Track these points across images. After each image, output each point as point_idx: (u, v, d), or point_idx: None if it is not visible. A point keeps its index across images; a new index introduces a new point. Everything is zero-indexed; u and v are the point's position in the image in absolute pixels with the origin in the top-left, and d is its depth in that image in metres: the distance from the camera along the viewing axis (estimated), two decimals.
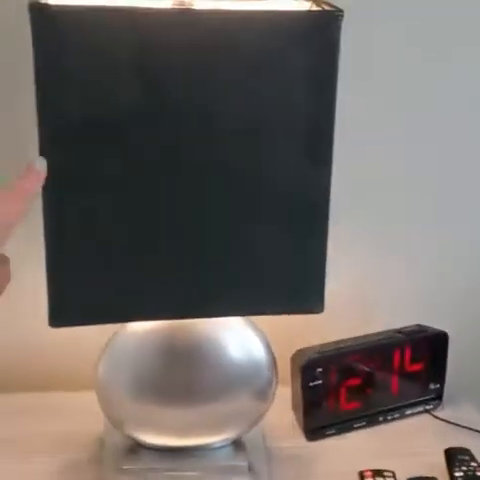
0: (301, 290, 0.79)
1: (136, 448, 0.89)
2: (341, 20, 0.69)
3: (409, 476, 0.91)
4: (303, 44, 0.70)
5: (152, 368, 0.86)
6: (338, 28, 0.69)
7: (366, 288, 1.09)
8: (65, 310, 0.74)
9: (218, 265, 0.77)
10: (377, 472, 0.91)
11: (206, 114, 0.71)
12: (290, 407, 1.02)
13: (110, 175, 0.72)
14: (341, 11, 0.69)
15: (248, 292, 0.78)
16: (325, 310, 0.87)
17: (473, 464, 0.92)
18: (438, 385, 1.04)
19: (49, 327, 0.77)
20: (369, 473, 0.91)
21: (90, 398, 0.89)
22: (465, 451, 0.94)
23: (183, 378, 0.86)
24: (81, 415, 0.98)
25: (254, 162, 0.74)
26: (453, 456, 0.93)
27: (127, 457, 0.88)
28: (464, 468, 0.91)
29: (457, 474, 0.90)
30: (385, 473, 0.91)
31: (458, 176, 1.08)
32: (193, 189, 0.74)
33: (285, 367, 0.98)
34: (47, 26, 0.65)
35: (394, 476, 0.91)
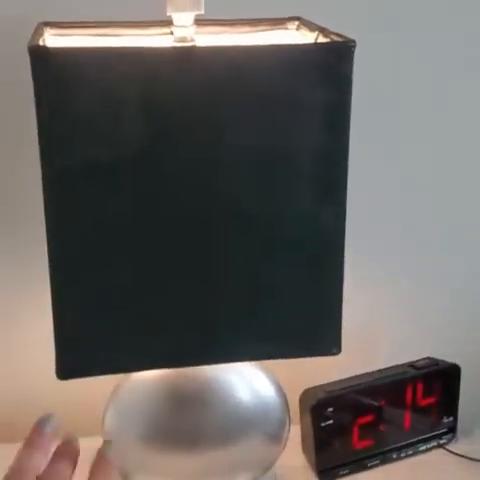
0: (317, 332, 0.76)
1: None
2: (353, 51, 0.66)
3: None
4: (314, 78, 0.67)
5: (159, 416, 0.82)
6: (351, 59, 0.66)
7: (374, 322, 1.07)
8: (73, 362, 0.70)
9: (230, 310, 0.73)
10: None
11: (214, 153, 0.68)
12: (300, 447, 0.99)
13: (116, 219, 0.69)
14: (353, 41, 0.66)
15: (262, 337, 0.74)
16: None
17: None
18: (451, 418, 1.01)
19: (52, 380, 0.74)
20: None
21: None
22: None
23: (191, 425, 0.82)
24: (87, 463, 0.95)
25: (266, 199, 0.70)
26: None
27: None
28: None
29: None
30: None
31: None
32: (202, 231, 0.70)
33: (292, 406, 0.95)
34: (48, 69, 0.62)
35: None
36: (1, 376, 1.03)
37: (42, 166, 0.66)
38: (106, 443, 0.76)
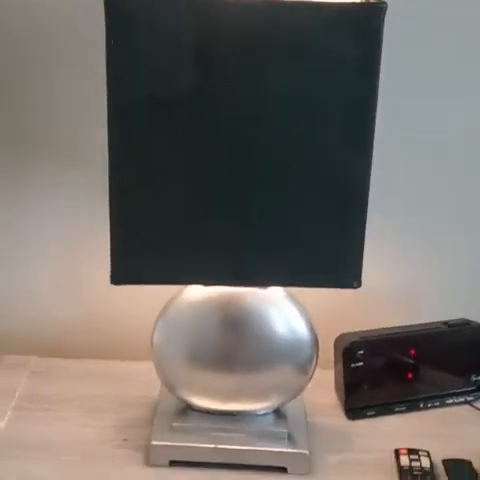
0: (341, 267, 0.85)
1: (186, 410, 0.96)
2: (385, 10, 0.75)
3: (444, 457, 0.95)
4: (349, 33, 0.76)
5: (203, 337, 0.93)
6: (382, 18, 0.76)
7: (415, 280, 1.14)
8: (125, 269, 0.82)
9: (268, 238, 0.84)
10: (412, 451, 0.95)
11: (256, 96, 0.79)
12: (333, 389, 1.07)
13: (170, 148, 0.80)
14: (385, 3, 0.75)
15: (292, 263, 0.85)
16: (372, 299, 0.94)
17: None
18: (479, 377, 1.07)
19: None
20: (404, 451, 0.95)
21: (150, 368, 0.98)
22: None
23: (231, 348, 0.93)
24: (140, 382, 1.06)
25: (299, 144, 0.81)
26: None
27: (178, 416, 0.96)
28: None
29: None
30: (420, 452, 0.95)
31: None
32: (245, 168, 0.81)
33: (330, 350, 1.04)
34: (118, 8, 0.74)
35: (429, 456, 0.94)
36: (67, 302, 1.16)
37: (108, 98, 0.78)
38: None
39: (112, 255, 0.81)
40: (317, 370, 0.96)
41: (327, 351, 1.02)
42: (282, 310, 0.94)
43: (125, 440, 0.97)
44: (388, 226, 1.10)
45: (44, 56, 1.06)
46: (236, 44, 0.76)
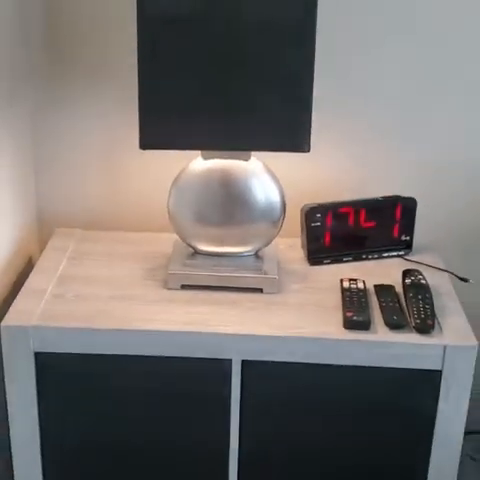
0: (293, 135, 1.24)
1: (194, 253, 1.35)
2: None
3: (375, 283, 1.33)
4: None
5: (204, 200, 1.32)
6: None
7: (366, 165, 1.51)
8: (151, 137, 1.21)
9: (241, 112, 1.23)
10: (352, 279, 1.34)
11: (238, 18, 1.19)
12: (300, 249, 1.45)
13: (188, 49, 1.19)
14: None
15: (259, 132, 1.24)
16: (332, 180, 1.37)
17: (419, 276, 1.33)
18: (408, 237, 1.45)
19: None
20: (346, 279, 1.34)
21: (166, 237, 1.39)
22: (416, 271, 1.35)
23: (225, 208, 1.31)
24: (158, 244, 1.46)
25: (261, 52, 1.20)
26: (407, 272, 1.34)
27: (188, 257, 1.35)
28: (413, 278, 1.32)
29: (407, 281, 1.32)
30: (357, 280, 1.34)
31: None
32: (231, 66, 1.20)
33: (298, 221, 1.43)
34: None
35: (364, 283, 1.33)
36: (104, 184, 1.55)
37: (137, 14, 1.15)
38: None
39: (140, 127, 1.20)
40: (290, 238, 1.39)
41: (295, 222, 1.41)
42: (261, 180, 1.32)
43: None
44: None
45: None
46: None
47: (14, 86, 1.40)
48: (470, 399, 1.22)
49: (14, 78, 1.40)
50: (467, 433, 1.26)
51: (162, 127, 1.22)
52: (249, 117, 1.22)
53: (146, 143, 1.21)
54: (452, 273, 1.40)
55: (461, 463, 1.27)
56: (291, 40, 1.18)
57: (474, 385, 1.21)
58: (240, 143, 1.24)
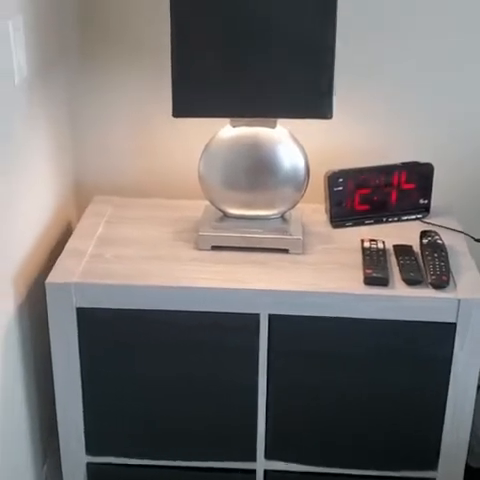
0: (316, 101, 1.31)
1: (223, 217, 1.44)
2: None
3: (394, 243, 1.41)
4: None
5: (233, 166, 1.40)
6: None
7: (386, 133, 1.59)
8: (182, 105, 1.30)
9: (267, 81, 1.31)
10: (372, 240, 1.42)
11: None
12: (324, 214, 1.53)
13: (215, 29, 1.28)
14: None
15: (283, 100, 1.32)
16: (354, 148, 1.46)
17: (436, 237, 1.40)
18: (426, 201, 1.52)
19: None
20: (367, 239, 1.42)
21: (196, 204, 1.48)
22: (433, 232, 1.42)
23: (252, 173, 1.39)
24: (189, 210, 1.54)
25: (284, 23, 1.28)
26: (425, 233, 1.42)
27: (217, 220, 1.44)
28: (430, 238, 1.40)
29: (424, 240, 1.39)
30: (378, 240, 1.41)
31: None
32: (256, 41, 1.28)
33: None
34: None
35: (384, 243, 1.41)
36: (138, 154, 1.65)
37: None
38: None
39: (173, 95, 1.28)
40: (314, 204, 1.48)
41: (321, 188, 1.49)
42: (286, 147, 1.40)
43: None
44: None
45: None
46: None
47: (50, 60, 1.49)
48: None
49: (49, 52, 1.48)
50: None
51: (193, 96, 1.30)
52: (274, 86, 1.30)
53: (178, 111, 1.30)
54: (467, 234, 1.48)
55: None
56: (313, 8, 1.26)
57: None
58: (266, 111, 1.32)
